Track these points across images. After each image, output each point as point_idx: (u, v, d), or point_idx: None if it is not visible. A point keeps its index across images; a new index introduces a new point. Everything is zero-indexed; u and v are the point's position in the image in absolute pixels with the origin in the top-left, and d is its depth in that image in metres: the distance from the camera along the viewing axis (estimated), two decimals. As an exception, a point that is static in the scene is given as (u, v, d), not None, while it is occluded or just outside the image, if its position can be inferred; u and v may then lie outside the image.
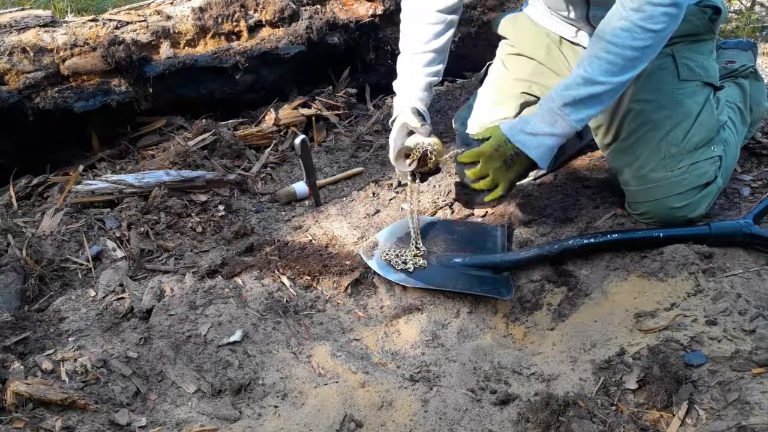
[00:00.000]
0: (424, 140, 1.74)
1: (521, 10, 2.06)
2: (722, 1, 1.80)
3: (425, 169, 1.79)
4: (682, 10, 1.49)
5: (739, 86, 2.00)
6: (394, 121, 1.85)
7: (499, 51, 2.09)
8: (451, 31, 1.88)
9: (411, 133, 1.78)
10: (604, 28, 1.54)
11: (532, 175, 2.11)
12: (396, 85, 1.89)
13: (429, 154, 1.74)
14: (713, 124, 1.74)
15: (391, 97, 2.78)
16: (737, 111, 1.93)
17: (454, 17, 1.87)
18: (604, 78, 1.53)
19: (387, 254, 1.76)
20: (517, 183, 2.09)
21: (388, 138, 2.54)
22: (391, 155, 1.81)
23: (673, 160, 1.71)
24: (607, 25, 1.53)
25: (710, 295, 1.48)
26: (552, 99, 1.59)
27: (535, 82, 1.97)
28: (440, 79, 1.91)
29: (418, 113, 1.80)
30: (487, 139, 1.69)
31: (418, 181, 1.81)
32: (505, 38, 2.07)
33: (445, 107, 2.64)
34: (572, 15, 1.82)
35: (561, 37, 1.94)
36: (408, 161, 1.76)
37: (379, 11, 2.63)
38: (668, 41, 1.72)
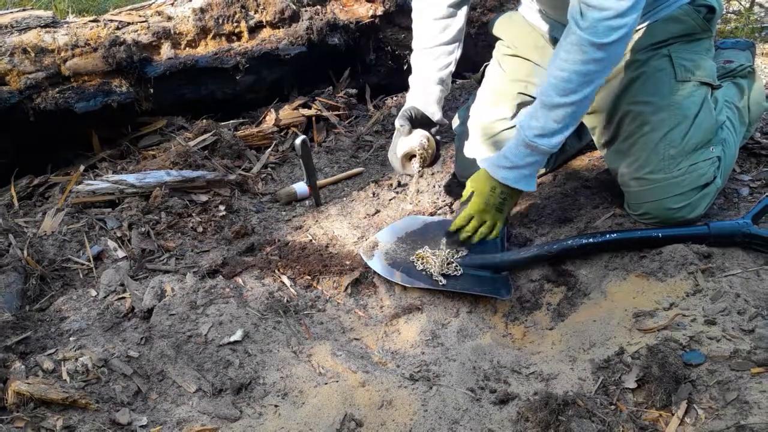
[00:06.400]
0: (421, 141, 1.84)
1: (516, 9, 2.07)
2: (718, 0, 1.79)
3: (428, 163, 1.91)
4: (631, 21, 1.48)
5: (737, 86, 2.00)
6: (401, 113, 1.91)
7: (495, 52, 2.10)
8: (462, 21, 1.92)
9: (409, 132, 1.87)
10: (560, 43, 1.57)
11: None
12: (410, 80, 1.98)
13: (426, 152, 1.86)
14: (712, 125, 1.74)
15: (392, 98, 2.81)
16: (735, 111, 1.93)
17: (464, 8, 1.91)
18: (562, 99, 1.56)
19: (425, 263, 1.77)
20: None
21: (388, 138, 2.57)
22: (395, 164, 1.90)
23: (672, 162, 1.71)
24: (563, 40, 1.56)
25: (709, 295, 1.48)
26: (523, 129, 1.65)
27: (531, 83, 1.98)
28: (454, 68, 1.97)
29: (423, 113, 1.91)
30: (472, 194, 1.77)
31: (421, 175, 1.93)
32: (501, 39, 2.08)
33: (445, 107, 2.61)
34: (566, 18, 1.82)
35: (556, 39, 1.94)
36: (415, 164, 1.87)
37: (379, 12, 2.63)
38: (665, 42, 1.73)
